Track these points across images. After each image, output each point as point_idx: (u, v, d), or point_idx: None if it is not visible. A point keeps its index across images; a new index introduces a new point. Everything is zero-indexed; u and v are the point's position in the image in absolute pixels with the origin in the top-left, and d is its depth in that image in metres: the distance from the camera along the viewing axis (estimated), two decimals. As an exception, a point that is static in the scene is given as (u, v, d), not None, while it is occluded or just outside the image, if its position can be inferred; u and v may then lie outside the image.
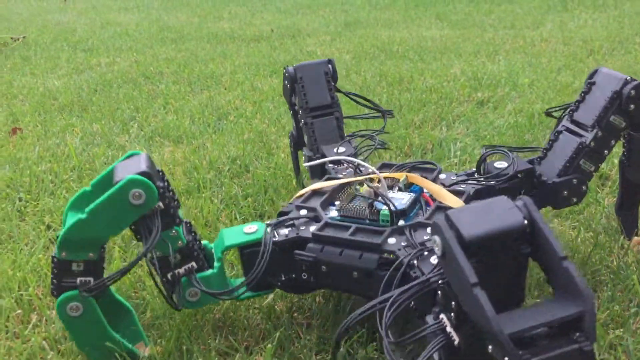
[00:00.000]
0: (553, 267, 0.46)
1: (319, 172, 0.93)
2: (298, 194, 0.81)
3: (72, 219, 0.65)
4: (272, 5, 4.19)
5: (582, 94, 0.83)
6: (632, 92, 0.77)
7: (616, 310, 0.74)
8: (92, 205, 0.63)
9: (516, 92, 1.71)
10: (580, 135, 0.81)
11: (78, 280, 0.65)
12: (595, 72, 0.83)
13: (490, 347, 0.45)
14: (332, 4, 4.10)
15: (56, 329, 0.77)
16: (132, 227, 0.66)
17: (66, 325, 0.67)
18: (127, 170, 0.64)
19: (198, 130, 1.53)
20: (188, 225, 0.71)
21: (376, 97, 1.72)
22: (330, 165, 0.90)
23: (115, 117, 1.70)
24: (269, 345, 0.69)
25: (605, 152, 0.81)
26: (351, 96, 1.03)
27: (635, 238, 0.90)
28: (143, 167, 0.64)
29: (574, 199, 0.82)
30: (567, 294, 0.45)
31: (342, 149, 0.93)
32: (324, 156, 0.93)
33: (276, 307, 0.79)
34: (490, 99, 1.66)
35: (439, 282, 0.51)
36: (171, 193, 0.68)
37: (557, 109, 0.89)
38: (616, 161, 1.11)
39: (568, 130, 0.83)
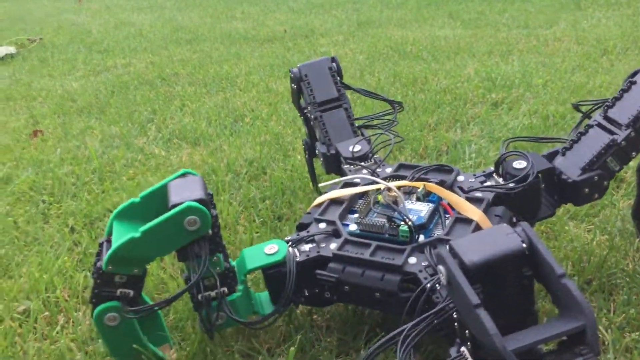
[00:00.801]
0: (554, 285, 0.48)
1: (335, 167, 0.93)
2: (316, 203, 0.81)
3: (121, 232, 0.66)
4: (285, 4, 4.21)
5: (621, 92, 0.82)
6: None
7: (632, 314, 0.75)
8: (147, 226, 0.64)
9: (530, 93, 1.72)
10: (612, 133, 0.80)
11: (118, 291, 0.66)
12: (637, 71, 0.82)
13: None
14: (344, 3, 4.10)
15: (83, 331, 0.80)
16: (178, 249, 0.67)
17: (102, 334, 0.68)
18: (183, 193, 0.65)
19: (215, 132, 1.55)
20: (224, 250, 0.72)
21: (390, 98, 1.73)
22: (346, 166, 0.90)
23: (133, 119, 1.72)
24: (292, 349, 0.70)
25: (634, 153, 0.80)
26: (360, 91, 1.04)
27: (651, 241, 0.90)
28: (200, 194, 0.65)
29: (596, 195, 0.81)
30: (569, 310, 0.47)
31: (357, 147, 0.91)
32: (337, 152, 0.93)
33: (296, 310, 0.81)
34: (505, 100, 1.67)
35: (449, 311, 0.53)
36: (217, 221, 0.69)
37: (586, 103, 0.88)
38: (631, 164, 1.12)
39: (600, 125, 0.82)
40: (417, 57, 2.33)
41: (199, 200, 0.64)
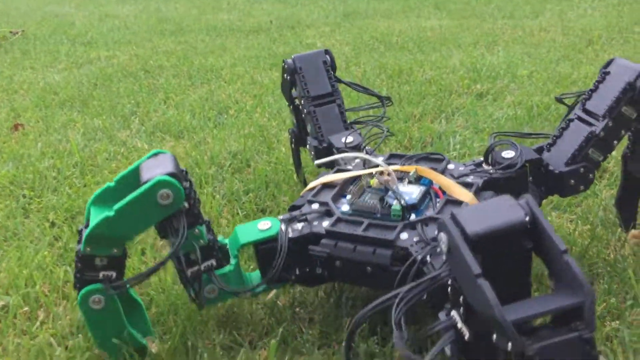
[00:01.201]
0: (554, 260, 0.48)
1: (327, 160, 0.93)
2: (308, 187, 0.82)
3: (97, 215, 0.66)
4: (271, -5, 4.19)
5: (596, 83, 0.83)
6: None
7: (612, 303, 0.76)
8: (120, 204, 0.64)
9: (515, 83, 1.72)
10: (591, 125, 0.81)
11: (101, 274, 0.67)
12: (610, 62, 0.83)
13: (494, 336, 0.47)
14: (331, -6, 4.09)
15: (63, 326, 0.79)
16: (157, 225, 0.68)
17: (86, 318, 0.68)
18: (154, 170, 0.66)
19: (199, 125, 1.54)
20: (208, 224, 0.73)
21: (376, 90, 1.72)
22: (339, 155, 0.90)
23: (116, 111, 1.70)
24: (273, 341, 0.70)
25: (615, 142, 0.81)
26: (351, 85, 1.04)
27: (633, 231, 0.91)
28: (170, 168, 0.66)
29: (581, 187, 0.82)
30: (568, 286, 0.47)
31: (350, 139, 0.93)
32: (330, 145, 0.94)
33: (279, 302, 0.81)
34: (490, 90, 1.67)
35: (446, 278, 0.53)
36: (195, 194, 0.69)
37: (569, 95, 0.89)
38: (614, 153, 1.12)
39: (579, 118, 0.83)
40: (403, 48, 2.32)
41: (170, 174, 0.64)
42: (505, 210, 0.50)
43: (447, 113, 1.51)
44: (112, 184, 0.71)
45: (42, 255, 0.95)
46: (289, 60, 1.01)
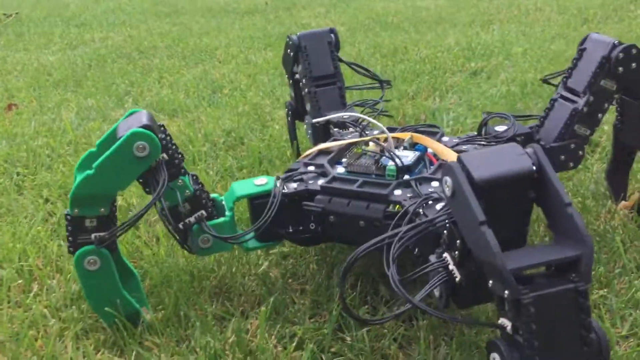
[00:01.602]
0: (557, 212, 0.49)
1: (323, 138, 0.94)
2: (305, 154, 0.83)
3: (80, 176, 0.67)
4: (266, -23, 4.15)
5: (574, 61, 0.84)
6: (620, 54, 0.78)
7: (601, 272, 0.76)
8: (98, 161, 0.65)
9: (509, 61, 1.72)
10: (574, 102, 0.82)
11: (92, 236, 0.67)
12: (585, 38, 0.84)
13: (490, 282, 0.48)
14: (327, -25, 4.06)
15: (57, 298, 0.79)
16: (140, 180, 0.69)
17: (82, 280, 0.69)
18: (130, 126, 0.66)
19: (193, 104, 1.54)
20: (194, 177, 0.74)
21: (370, 69, 1.72)
22: (336, 129, 0.92)
23: (110, 91, 1.70)
24: (263, 309, 0.71)
25: (599, 115, 0.82)
26: (352, 66, 1.05)
27: (623, 202, 0.91)
28: (144, 120, 0.67)
29: (571, 164, 0.84)
30: (568, 238, 0.48)
31: (346, 115, 0.94)
32: (328, 122, 0.94)
33: (271, 273, 0.82)
34: (484, 68, 1.67)
35: (446, 221, 0.53)
36: (174, 146, 0.70)
37: (553, 75, 0.90)
38: (606, 128, 1.13)
39: (562, 97, 0.85)
40: (399, 27, 2.32)
41: (144, 126, 0.65)
42: (513, 158, 0.49)
43: (441, 91, 1.51)
44: (94, 149, 0.72)
45: (36, 230, 0.95)
46: (294, 37, 1.00)
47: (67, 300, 0.79)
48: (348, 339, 0.69)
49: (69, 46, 2.37)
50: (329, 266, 0.82)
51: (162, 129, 0.71)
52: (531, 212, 0.52)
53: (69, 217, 0.67)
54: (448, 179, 0.50)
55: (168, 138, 0.70)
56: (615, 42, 0.79)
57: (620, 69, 0.79)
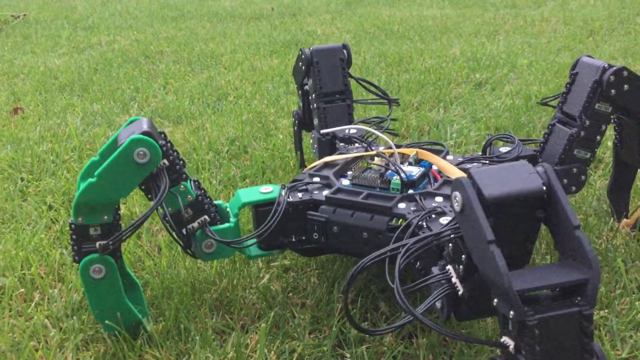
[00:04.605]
0: (565, 234, 0.48)
1: (328, 154, 0.94)
2: (310, 166, 0.84)
3: (83, 185, 0.68)
4: (273, -18, 4.17)
5: (568, 85, 0.85)
6: (612, 78, 0.79)
7: (602, 292, 0.76)
8: (100, 169, 0.66)
9: (514, 73, 1.72)
10: (571, 127, 0.83)
11: (97, 244, 0.68)
12: (577, 62, 0.85)
13: (495, 300, 0.48)
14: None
15: (58, 307, 0.80)
16: (143, 187, 0.69)
17: (87, 289, 0.69)
18: (130, 134, 0.67)
19: (197, 111, 1.54)
20: (196, 182, 0.75)
21: (375, 78, 1.73)
22: (342, 144, 0.93)
23: (115, 97, 1.71)
24: (263, 325, 0.71)
25: (598, 137, 0.83)
26: (362, 83, 1.05)
27: (625, 220, 0.91)
28: (145, 127, 0.67)
29: (573, 188, 0.84)
30: (574, 260, 0.48)
31: (353, 131, 0.96)
32: (334, 137, 0.95)
33: (272, 287, 0.82)
34: (489, 80, 1.67)
35: (452, 235, 0.53)
36: (175, 152, 0.71)
37: (551, 98, 0.91)
38: (609, 144, 1.13)
39: (560, 121, 0.85)
40: (404, 36, 2.32)
41: (144, 133, 0.66)
42: (524, 177, 0.49)
43: (445, 102, 1.51)
44: (96, 158, 0.72)
45: (39, 237, 0.95)
46: (307, 51, 1.01)
47: (68, 310, 0.80)
48: (347, 355, 0.69)
49: (75, 49, 2.38)
50: (329, 280, 0.82)
51: (163, 135, 0.71)
52: (538, 231, 0.52)
53: (73, 225, 0.68)
54: (458, 195, 0.50)
55: (169, 144, 0.70)
56: (605, 65, 0.79)
57: (613, 91, 0.79)
